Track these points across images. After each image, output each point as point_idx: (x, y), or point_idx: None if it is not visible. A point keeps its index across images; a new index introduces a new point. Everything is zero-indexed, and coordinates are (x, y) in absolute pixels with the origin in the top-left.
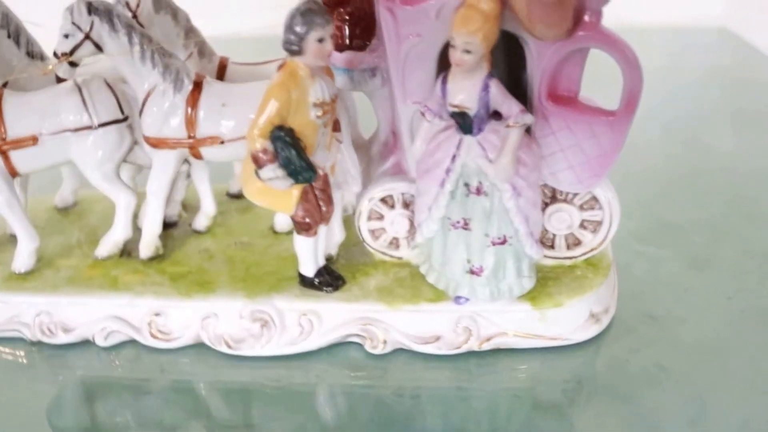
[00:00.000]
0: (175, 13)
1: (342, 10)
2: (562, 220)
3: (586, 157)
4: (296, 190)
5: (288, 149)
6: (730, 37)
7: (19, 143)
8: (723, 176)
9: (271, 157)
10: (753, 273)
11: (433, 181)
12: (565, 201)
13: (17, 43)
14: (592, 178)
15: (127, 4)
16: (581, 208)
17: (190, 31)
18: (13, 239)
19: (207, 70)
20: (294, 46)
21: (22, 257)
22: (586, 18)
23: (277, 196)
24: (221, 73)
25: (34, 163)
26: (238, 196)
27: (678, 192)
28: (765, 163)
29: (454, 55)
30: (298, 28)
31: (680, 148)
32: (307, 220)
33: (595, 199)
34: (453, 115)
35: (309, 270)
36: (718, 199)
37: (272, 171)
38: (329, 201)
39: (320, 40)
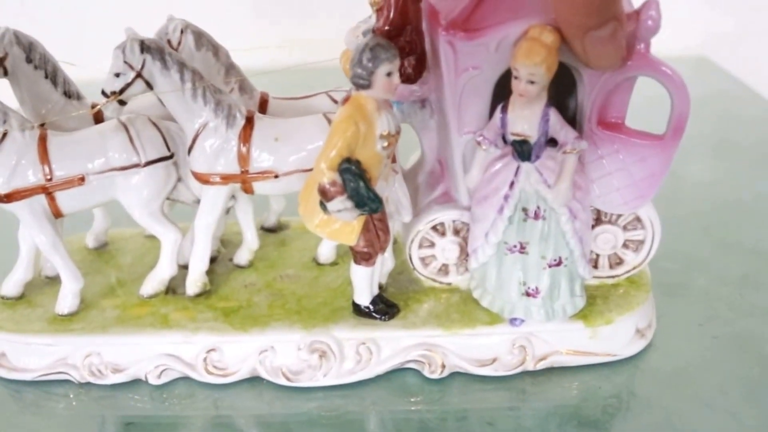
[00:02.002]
0: (216, 50)
1: (394, 43)
2: (607, 240)
3: (633, 179)
4: (358, 222)
5: (356, 181)
6: (711, 67)
7: (66, 184)
8: (698, 205)
9: (340, 189)
10: (724, 300)
11: (491, 207)
12: (609, 222)
13: (54, 83)
14: (638, 199)
15: (169, 42)
16: (625, 228)
17: (230, 68)
18: (48, 282)
19: (248, 105)
20: (363, 80)
21: (67, 299)
22: (637, 47)
23: (339, 228)
24: (262, 108)
25: (79, 204)
26: (273, 230)
27: None
28: (740, 193)
29: (519, 86)
30: (368, 63)
31: None
32: (368, 249)
33: (638, 219)
34: (513, 143)
35: (365, 299)
36: (692, 228)
37: (341, 203)
38: (386, 230)
39: (389, 74)
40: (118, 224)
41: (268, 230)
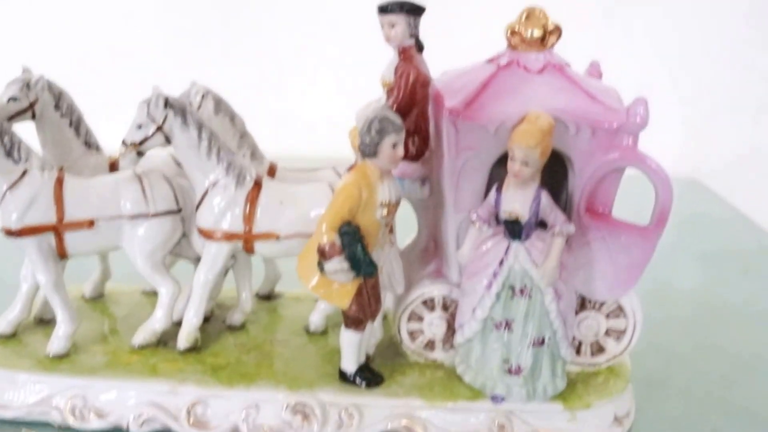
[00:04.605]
0: (233, 117)
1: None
2: (590, 327)
3: (616, 267)
4: (352, 285)
5: (354, 244)
6: (700, 189)
7: (75, 225)
8: (683, 310)
9: (338, 250)
10: (702, 399)
11: (480, 283)
12: (593, 309)
13: (77, 132)
14: (621, 287)
15: (190, 104)
16: (607, 316)
17: (244, 135)
18: (40, 323)
19: (258, 172)
20: (369, 149)
21: (60, 340)
22: (626, 142)
23: (334, 290)
24: (270, 177)
25: (85, 247)
26: (267, 298)
27: None
28: (723, 299)
29: (513, 167)
30: (375, 133)
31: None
32: (359, 315)
33: (620, 308)
34: (505, 222)
35: (351, 366)
36: (677, 329)
37: (338, 263)
38: (377, 299)
39: (394, 145)
40: (117, 280)
41: (261, 297)
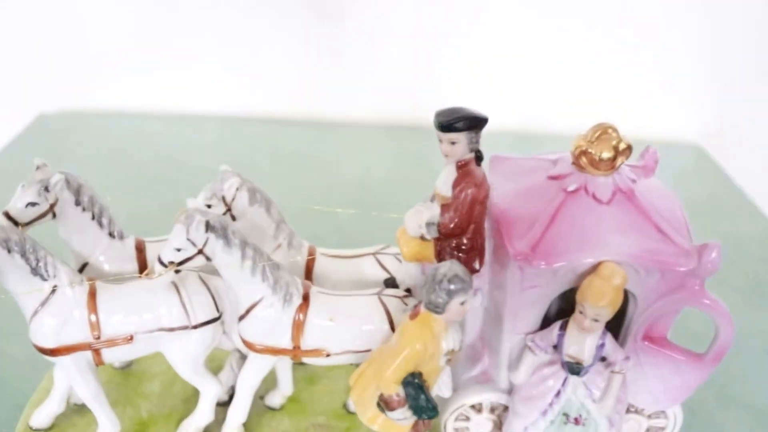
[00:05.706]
0: (269, 207)
1: (456, 241)
2: (631, 428)
3: (667, 386)
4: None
5: (418, 393)
6: (703, 158)
7: (113, 342)
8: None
9: (402, 401)
10: None
11: (535, 409)
12: (636, 412)
13: (100, 224)
14: (669, 402)
15: (224, 198)
16: (649, 417)
17: (281, 223)
18: (78, 410)
19: (296, 260)
20: (437, 308)
21: None
22: (693, 284)
23: (390, 423)
24: (309, 263)
25: (122, 356)
26: (301, 363)
27: None
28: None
29: (583, 322)
30: (444, 293)
31: None
32: None
33: (662, 411)
34: (567, 362)
35: None
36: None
37: (402, 413)
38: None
39: (462, 303)
40: None
41: (295, 363)
